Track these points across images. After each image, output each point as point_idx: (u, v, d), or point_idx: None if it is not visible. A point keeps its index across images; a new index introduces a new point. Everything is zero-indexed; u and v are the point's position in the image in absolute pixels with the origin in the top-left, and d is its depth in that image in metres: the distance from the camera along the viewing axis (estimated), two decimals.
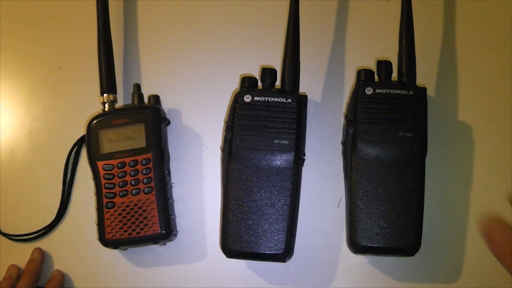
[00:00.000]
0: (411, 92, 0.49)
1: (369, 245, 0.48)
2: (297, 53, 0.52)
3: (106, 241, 0.53)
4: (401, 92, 0.49)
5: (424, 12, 0.57)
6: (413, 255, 0.49)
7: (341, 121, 0.56)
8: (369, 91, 0.50)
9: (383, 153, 0.49)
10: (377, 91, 0.50)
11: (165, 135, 0.56)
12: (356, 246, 0.48)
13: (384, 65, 0.52)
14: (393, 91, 0.49)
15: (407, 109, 0.49)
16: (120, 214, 0.53)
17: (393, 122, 0.49)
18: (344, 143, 0.51)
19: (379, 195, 0.48)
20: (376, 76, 0.53)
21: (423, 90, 0.51)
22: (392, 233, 0.47)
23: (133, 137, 0.54)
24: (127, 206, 0.53)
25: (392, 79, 0.52)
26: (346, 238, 0.50)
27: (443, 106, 0.56)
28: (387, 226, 0.48)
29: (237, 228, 0.49)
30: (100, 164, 0.54)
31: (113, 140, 0.54)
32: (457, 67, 0.57)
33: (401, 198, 0.48)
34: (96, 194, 0.54)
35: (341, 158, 0.54)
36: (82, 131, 0.58)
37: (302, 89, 0.53)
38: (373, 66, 0.58)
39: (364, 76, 0.52)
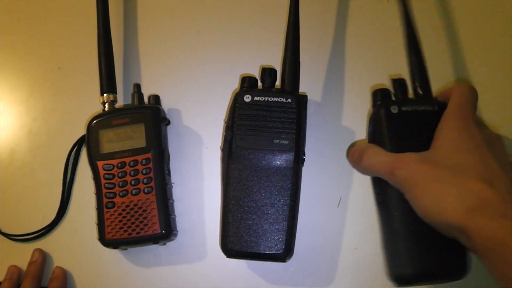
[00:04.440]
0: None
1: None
2: (297, 53, 0.52)
3: (106, 241, 0.53)
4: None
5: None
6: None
7: (342, 121, 0.56)
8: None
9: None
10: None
11: (165, 135, 0.56)
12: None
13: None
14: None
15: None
16: (120, 214, 0.53)
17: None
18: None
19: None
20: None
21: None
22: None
23: (133, 137, 0.54)
24: (127, 206, 0.53)
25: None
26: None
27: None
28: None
29: (237, 228, 0.49)
30: (100, 164, 0.54)
31: (113, 140, 0.54)
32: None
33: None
34: (96, 194, 0.54)
35: (341, 158, 0.54)
36: (82, 131, 0.58)
37: (302, 89, 0.53)
38: (371, 66, 0.58)
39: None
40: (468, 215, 0.40)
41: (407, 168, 0.44)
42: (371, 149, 0.48)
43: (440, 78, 0.56)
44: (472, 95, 0.46)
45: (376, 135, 0.49)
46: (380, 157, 0.46)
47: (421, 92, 0.50)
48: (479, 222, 0.39)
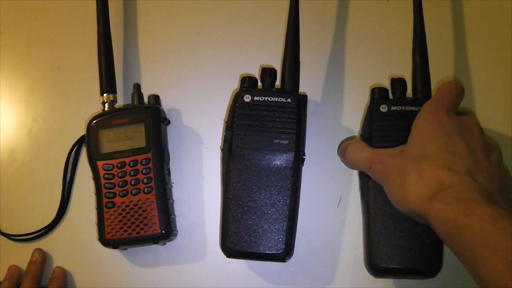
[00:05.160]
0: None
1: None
2: (297, 53, 0.52)
3: (106, 241, 0.53)
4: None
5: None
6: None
7: (342, 121, 0.57)
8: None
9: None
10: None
11: (165, 135, 0.56)
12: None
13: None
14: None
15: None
16: (120, 214, 0.53)
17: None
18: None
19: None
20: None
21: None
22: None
23: (133, 137, 0.54)
24: (127, 206, 0.53)
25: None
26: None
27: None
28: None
29: (237, 228, 0.49)
30: (100, 164, 0.54)
31: (113, 140, 0.54)
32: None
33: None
34: (96, 194, 0.54)
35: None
36: (82, 131, 0.58)
37: (302, 89, 0.53)
38: (371, 65, 0.58)
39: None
40: (427, 201, 0.41)
41: (382, 163, 0.46)
42: (355, 144, 0.50)
43: (438, 78, 0.56)
44: (453, 89, 0.48)
45: (365, 131, 0.51)
46: (361, 152, 0.48)
47: (420, 93, 0.51)
48: (435, 208, 0.41)
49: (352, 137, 0.55)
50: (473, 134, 0.45)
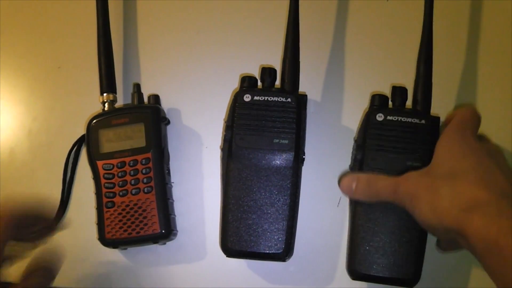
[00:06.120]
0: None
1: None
2: (297, 52, 0.52)
3: (106, 240, 0.53)
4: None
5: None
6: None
7: (342, 121, 0.56)
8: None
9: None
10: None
11: (165, 135, 0.56)
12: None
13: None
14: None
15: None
16: (120, 213, 0.53)
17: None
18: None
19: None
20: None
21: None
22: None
23: (133, 136, 0.54)
24: (127, 205, 0.53)
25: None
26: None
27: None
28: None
29: (237, 227, 0.49)
30: (100, 163, 0.54)
31: (112, 140, 0.54)
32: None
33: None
34: (96, 193, 0.54)
35: (341, 158, 0.54)
36: (82, 131, 0.58)
37: (302, 89, 0.53)
38: (371, 65, 0.58)
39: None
40: (462, 216, 0.41)
41: (407, 184, 0.45)
42: (370, 178, 0.48)
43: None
44: (474, 116, 0.48)
45: (359, 137, 0.51)
46: (382, 181, 0.47)
47: (420, 104, 0.51)
48: (476, 223, 0.40)
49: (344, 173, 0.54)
50: (501, 158, 0.45)
